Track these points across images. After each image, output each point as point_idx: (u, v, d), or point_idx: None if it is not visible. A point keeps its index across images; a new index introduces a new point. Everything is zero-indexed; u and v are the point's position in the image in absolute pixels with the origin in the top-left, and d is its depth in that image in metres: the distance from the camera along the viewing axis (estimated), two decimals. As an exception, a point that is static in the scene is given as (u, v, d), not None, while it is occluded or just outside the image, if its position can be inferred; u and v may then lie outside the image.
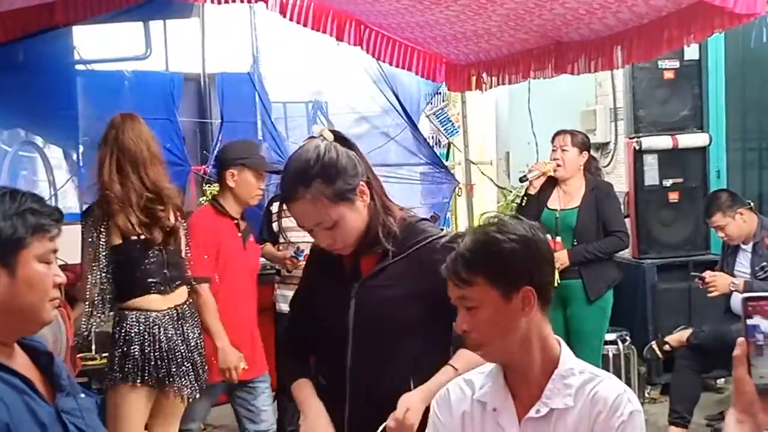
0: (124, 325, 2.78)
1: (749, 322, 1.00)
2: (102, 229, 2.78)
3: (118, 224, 2.78)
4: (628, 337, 4.54)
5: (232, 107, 5.49)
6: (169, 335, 2.81)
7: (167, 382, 2.81)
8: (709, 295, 4.06)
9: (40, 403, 1.37)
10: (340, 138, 1.84)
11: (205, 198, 5.39)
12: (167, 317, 2.83)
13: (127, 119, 3.02)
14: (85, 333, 2.79)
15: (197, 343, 2.92)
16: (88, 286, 2.74)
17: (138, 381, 2.77)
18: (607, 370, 4.42)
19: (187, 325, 2.88)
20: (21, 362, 1.41)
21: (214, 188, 5.37)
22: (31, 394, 1.36)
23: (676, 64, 4.78)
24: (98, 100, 5.11)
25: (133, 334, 2.77)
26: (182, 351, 2.84)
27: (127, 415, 2.78)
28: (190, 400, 2.92)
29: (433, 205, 5.63)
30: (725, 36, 4.40)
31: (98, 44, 5.46)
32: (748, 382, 1.00)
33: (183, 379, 2.84)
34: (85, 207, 3.09)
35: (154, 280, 2.83)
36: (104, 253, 2.76)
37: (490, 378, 1.54)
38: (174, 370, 2.82)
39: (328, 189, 1.71)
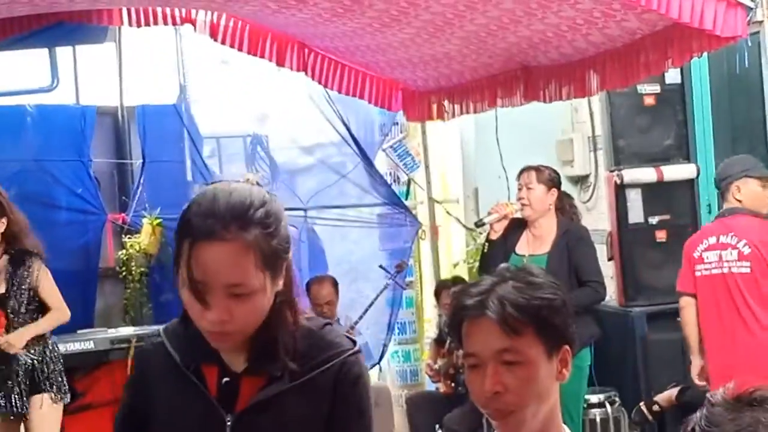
0: None
1: None
2: None
3: None
4: (616, 398, 4.69)
5: (156, 144, 5.58)
6: None
7: None
8: None
9: None
10: None
11: (124, 252, 5.45)
12: None
13: None
14: None
15: None
16: None
17: None
18: (595, 436, 4.58)
19: None
20: None
21: (136, 239, 5.44)
22: None
23: (657, 88, 5.02)
24: (-6, 140, 5.18)
25: None
26: None
27: None
28: None
29: (393, 251, 5.77)
30: (708, 57, 4.66)
31: (-6, 75, 5.52)
32: None
33: None
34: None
35: None
36: None
37: None
38: None
39: (266, 244, 1.48)
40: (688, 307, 4.06)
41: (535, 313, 1.46)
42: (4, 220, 4.08)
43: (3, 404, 4.07)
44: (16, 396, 4.05)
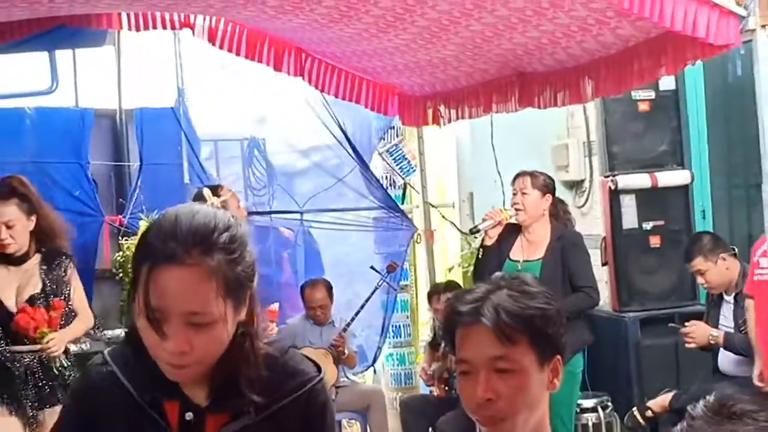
0: None
1: None
2: None
3: None
4: (609, 403, 4.69)
5: (154, 147, 5.57)
6: None
7: None
8: (686, 346, 4.27)
9: None
10: None
11: (121, 254, 5.43)
12: None
13: None
14: None
15: None
16: None
17: None
18: (587, 441, 4.56)
19: None
20: None
21: (133, 241, 5.43)
22: None
23: (652, 94, 5.02)
24: (-6, 143, 5.17)
25: None
26: None
27: None
28: None
29: (388, 254, 5.75)
30: (703, 63, 4.66)
31: (-5, 77, 5.52)
32: None
33: None
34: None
35: None
36: None
37: None
38: None
39: (229, 271, 1.39)
40: (749, 309, 4.04)
41: (530, 322, 1.46)
42: (33, 217, 3.79)
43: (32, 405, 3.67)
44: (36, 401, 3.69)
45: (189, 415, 1.46)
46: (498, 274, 1.62)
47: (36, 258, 3.83)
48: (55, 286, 3.80)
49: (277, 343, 1.58)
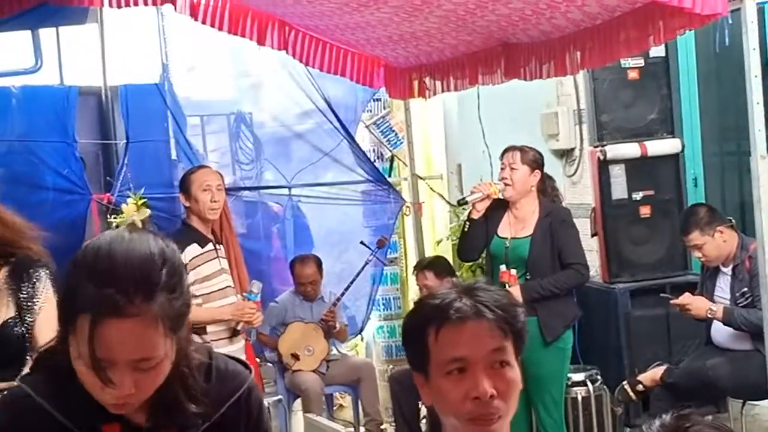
0: None
1: None
2: None
3: None
4: (598, 376, 4.57)
5: (140, 124, 5.39)
6: None
7: None
8: (687, 314, 4.13)
9: None
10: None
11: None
12: None
13: None
14: None
15: None
16: None
17: None
18: (576, 415, 4.46)
19: None
20: None
21: (121, 218, 5.28)
22: None
23: (641, 62, 4.82)
24: (-20, 122, 5.03)
25: None
26: None
27: None
28: None
29: (377, 227, 5.61)
30: (694, 31, 4.47)
31: (-23, 57, 5.35)
32: None
33: None
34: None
35: None
36: None
37: None
38: None
39: (172, 309, 1.33)
40: None
41: (514, 317, 1.44)
42: None
43: None
44: None
45: None
46: (454, 280, 1.58)
47: (2, 272, 2.81)
48: (25, 308, 2.79)
49: (200, 348, 1.52)
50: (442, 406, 1.43)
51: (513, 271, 4.09)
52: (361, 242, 5.30)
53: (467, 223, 4.34)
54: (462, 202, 4.48)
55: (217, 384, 1.46)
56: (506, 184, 4.20)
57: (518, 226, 4.20)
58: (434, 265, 4.85)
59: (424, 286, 4.76)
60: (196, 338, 3.96)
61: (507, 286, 4.03)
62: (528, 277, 4.10)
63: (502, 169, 4.26)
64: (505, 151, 4.28)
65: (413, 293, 5.54)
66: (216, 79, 5.66)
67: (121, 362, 1.30)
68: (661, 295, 4.59)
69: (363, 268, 5.18)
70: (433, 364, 1.42)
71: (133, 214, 1.38)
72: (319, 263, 5.18)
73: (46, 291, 2.80)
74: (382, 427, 5.16)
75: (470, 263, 4.99)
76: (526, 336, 1.47)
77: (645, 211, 4.91)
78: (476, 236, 4.25)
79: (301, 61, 4.95)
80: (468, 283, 1.47)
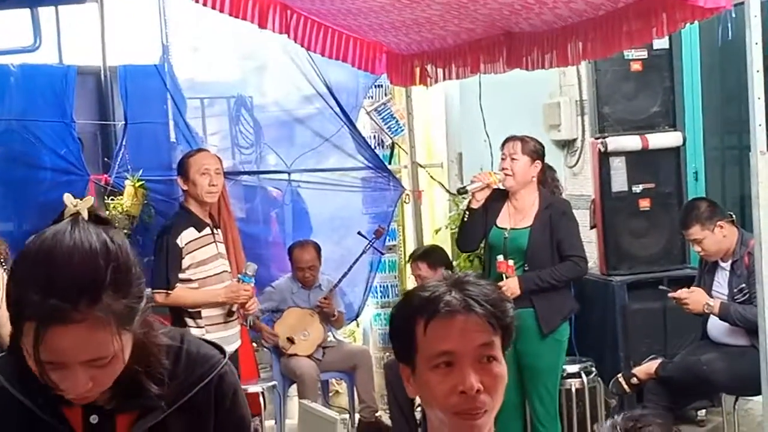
0: None
1: None
2: None
3: None
4: (593, 368, 4.55)
5: (139, 105, 5.36)
6: None
7: None
8: (685, 308, 4.10)
9: None
10: (96, 218, 1.37)
11: (107, 213, 5.25)
12: None
13: None
14: None
15: None
16: None
17: None
18: (570, 406, 4.44)
19: None
20: None
21: (119, 200, 5.24)
22: None
23: (644, 54, 4.77)
24: (-21, 99, 4.99)
25: None
26: None
27: None
28: None
29: (376, 214, 5.57)
30: (699, 23, 4.42)
31: (-24, 35, 5.30)
32: None
33: None
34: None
35: None
36: None
37: None
38: None
39: (121, 306, 1.27)
40: None
41: (503, 312, 1.43)
42: None
43: None
44: None
45: (94, 418, 1.39)
46: (444, 273, 1.52)
47: None
48: None
49: (171, 331, 1.47)
50: (428, 399, 1.42)
51: (510, 262, 4.06)
52: (359, 233, 5.26)
53: (466, 212, 4.31)
54: (462, 191, 4.45)
55: (186, 368, 1.43)
56: (506, 174, 4.17)
57: (518, 217, 4.17)
58: (428, 256, 4.82)
59: (417, 277, 4.74)
60: (190, 323, 4.06)
61: (504, 276, 4.01)
62: (526, 269, 4.08)
63: (502, 159, 4.22)
64: (506, 140, 4.24)
65: (411, 281, 5.51)
66: (220, 60, 5.61)
67: (72, 364, 1.27)
68: (660, 287, 4.56)
69: (360, 256, 5.15)
70: (420, 356, 1.41)
71: (77, 203, 1.28)
72: (318, 249, 5.15)
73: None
74: (377, 414, 5.15)
75: (468, 253, 4.97)
76: (515, 331, 1.45)
77: (645, 203, 4.87)
78: (475, 226, 4.22)
79: (302, 46, 4.89)
80: (458, 277, 1.45)
